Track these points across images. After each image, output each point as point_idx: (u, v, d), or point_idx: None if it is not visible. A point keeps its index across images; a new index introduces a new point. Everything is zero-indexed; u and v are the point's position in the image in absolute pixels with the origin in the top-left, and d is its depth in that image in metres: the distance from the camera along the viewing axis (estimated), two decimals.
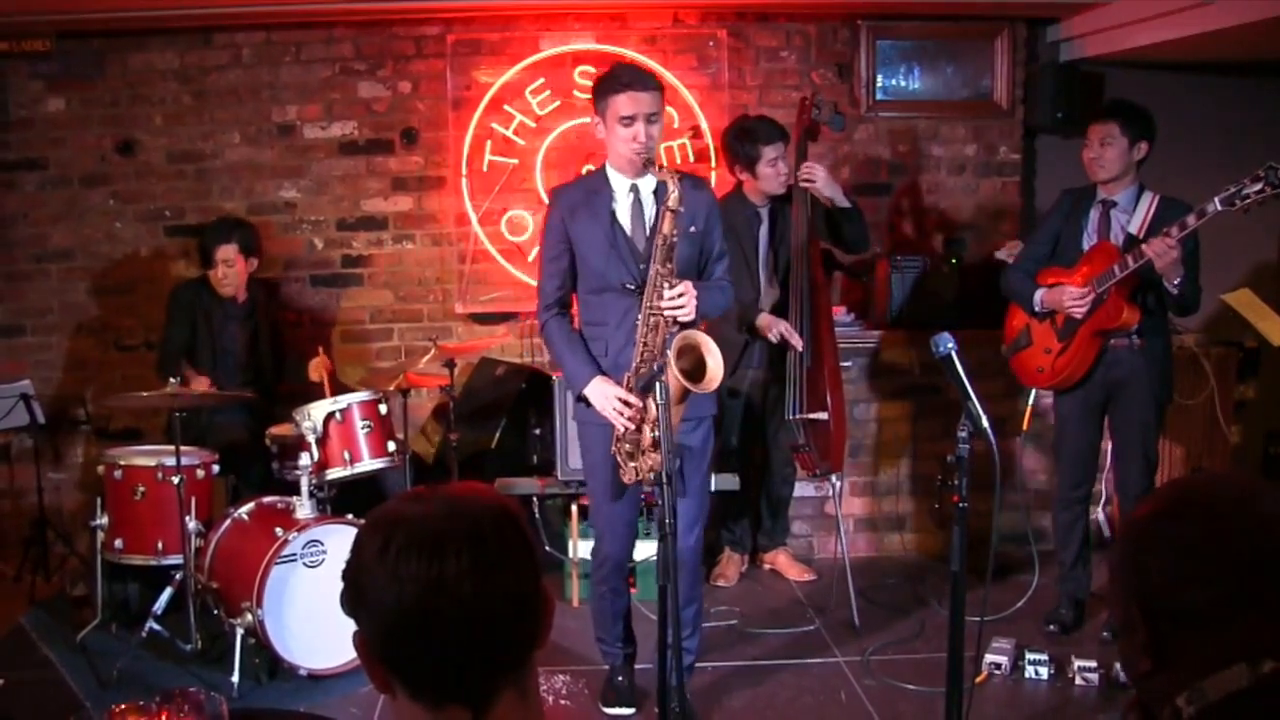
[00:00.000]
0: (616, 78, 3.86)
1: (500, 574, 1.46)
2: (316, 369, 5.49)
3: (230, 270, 5.44)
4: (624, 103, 3.79)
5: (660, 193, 3.88)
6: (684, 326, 3.76)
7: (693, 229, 3.94)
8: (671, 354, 3.62)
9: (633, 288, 3.86)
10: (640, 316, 3.81)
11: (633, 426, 3.81)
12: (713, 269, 4.09)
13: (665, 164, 3.82)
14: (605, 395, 3.87)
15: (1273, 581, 1.46)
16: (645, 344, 3.79)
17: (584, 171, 6.02)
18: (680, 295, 3.72)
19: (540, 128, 6.14)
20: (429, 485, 1.59)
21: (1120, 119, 4.65)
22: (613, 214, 3.95)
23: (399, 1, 5.84)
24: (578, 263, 4.01)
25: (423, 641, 1.45)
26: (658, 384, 3.36)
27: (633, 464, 3.84)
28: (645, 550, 5.13)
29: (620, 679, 4.37)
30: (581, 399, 3.98)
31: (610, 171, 4.00)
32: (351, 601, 1.50)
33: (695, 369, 3.66)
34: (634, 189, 3.95)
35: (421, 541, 1.44)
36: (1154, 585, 1.50)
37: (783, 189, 5.33)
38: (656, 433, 3.67)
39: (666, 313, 3.74)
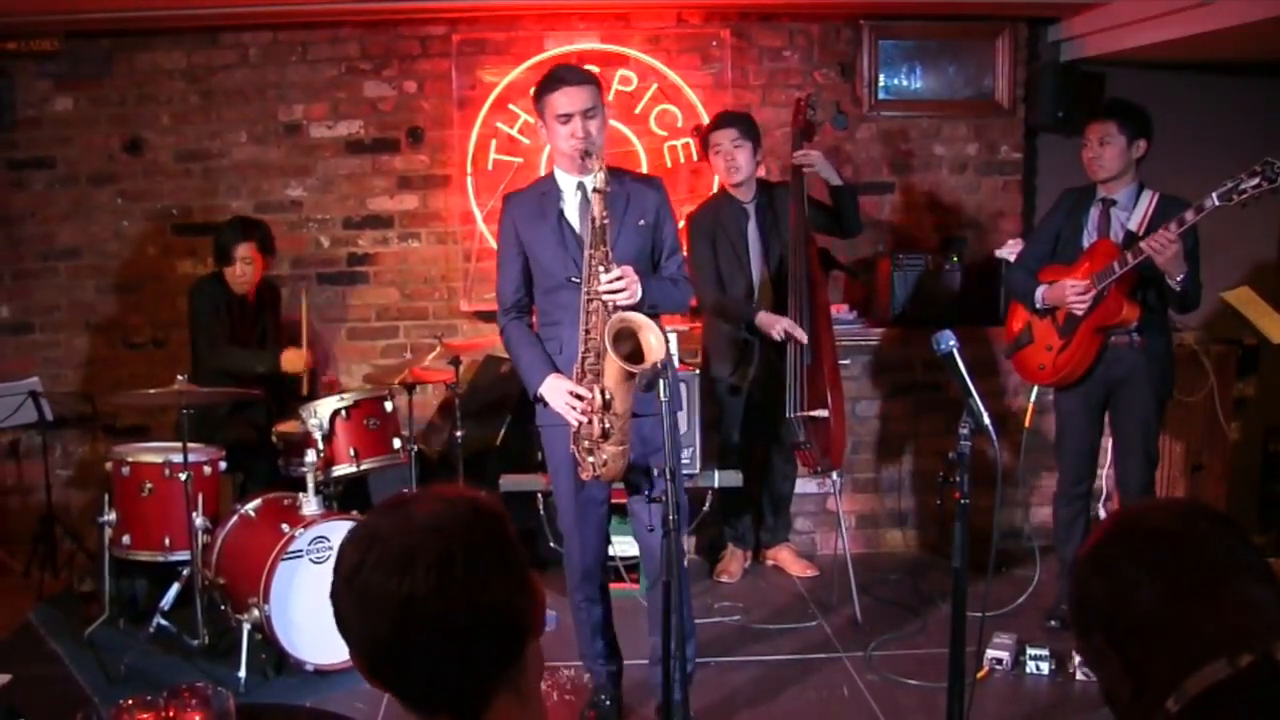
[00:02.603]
0: (549, 77, 3.86)
1: (472, 588, 1.46)
2: (291, 361, 5.47)
3: (249, 268, 5.47)
4: (559, 100, 3.78)
5: (583, 208, 3.88)
6: (627, 309, 3.70)
7: (641, 222, 3.94)
8: (608, 339, 3.58)
9: (577, 280, 3.80)
10: (581, 304, 3.77)
11: (585, 420, 3.77)
12: (666, 264, 4.05)
13: (598, 157, 3.74)
14: (558, 390, 3.83)
15: (1209, 571, 1.51)
16: (588, 331, 3.75)
17: None
18: (618, 279, 3.68)
19: None
20: (406, 493, 1.59)
21: (1118, 118, 4.67)
22: (560, 212, 3.93)
23: (404, 1, 5.86)
24: (531, 265, 3.99)
25: (401, 664, 1.48)
26: (661, 382, 3.33)
27: (590, 459, 3.79)
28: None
29: (603, 698, 4.27)
30: (539, 400, 3.94)
31: (558, 173, 3.99)
32: (337, 623, 1.52)
33: (635, 352, 3.62)
34: (580, 186, 3.91)
35: (388, 566, 1.45)
36: (1105, 604, 1.56)
37: (730, 177, 5.38)
38: (607, 425, 3.69)
39: (605, 297, 3.69)
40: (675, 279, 4.02)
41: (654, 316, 3.86)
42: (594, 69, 4.04)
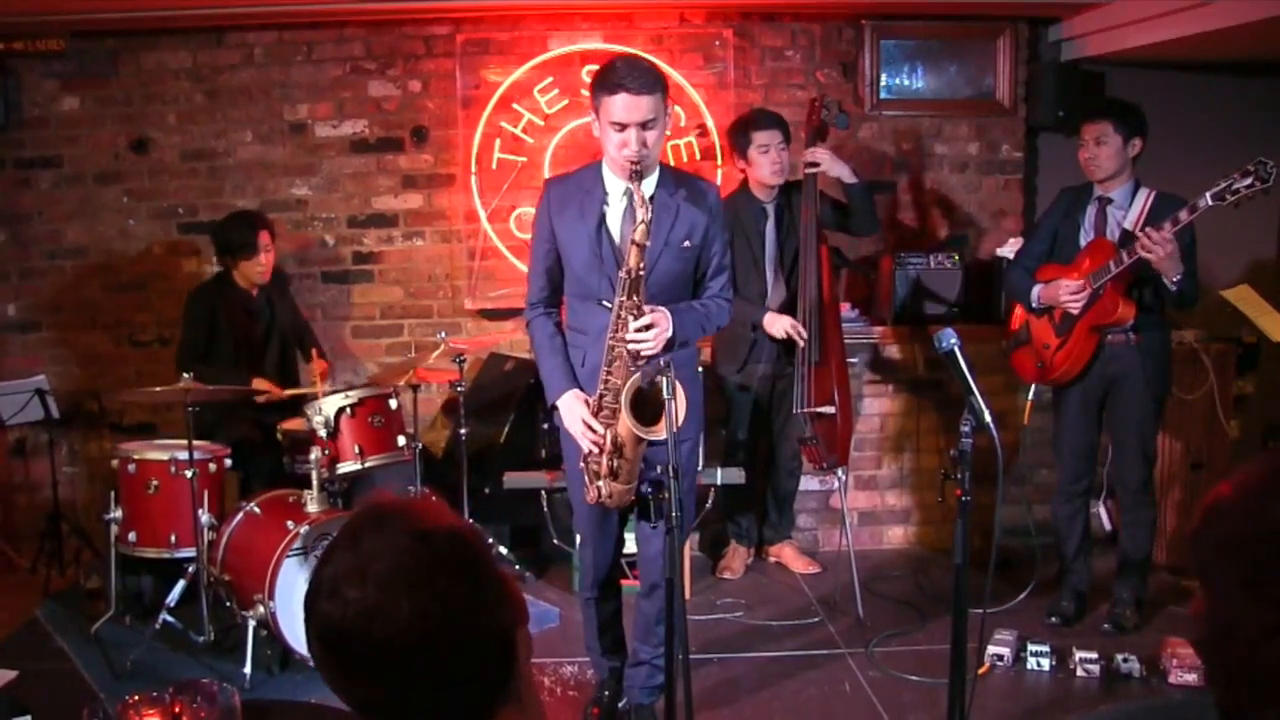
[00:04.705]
0: (612, 75, 3.52)
1: (450, 631, 1.42)
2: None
3: (270, 255, 5.55)
4: (615, 106, 3.49)
5: (628, 217, 3.63)
6: (651, 360, 3.50)
7: (687, 243, 3.70)
8: (625, 395, 3.44)
9: (609, 305, 3.60)
10: (606, 345, 3.59)
11: (595, 450, 3.64)
12: (709, 285, 3.82)
13: (649, 172, 3.59)
14: (573, 414, 3.69)
15: None
16: (610, 372, 3.59)
17: None
18: (647, 329, 3.49)
19: (548, 126, 6.19)
20: (353, 528, 1.50)
21: (1113, 117, 4.70)
22: (602, 217, 3.68)
23: (409, 1, 5.89)
24: (563, 264, 3.78)
25: (400, 715, 1.46)
26: (664, 379, 3.29)
27: (597, 483, 3.66)
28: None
29: (607, 693, 4.27)
30: (555, 409, 3.80)
31: (606, 173, 3.71)
32: (325, 679, 1.49)
33: (651, 413, 3.46)
34: (629, 193, 3.60)
35: (362, 628, 1.40)
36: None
37: (776, 179, 5.37)
38: (616, 465, 3.58)
39: (630, 347, 3.52)
40: (714, 305, 3.81)
41: (685, 345, 3.76)
42: (662, 65, 3.61)
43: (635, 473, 3.63)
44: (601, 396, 3.63)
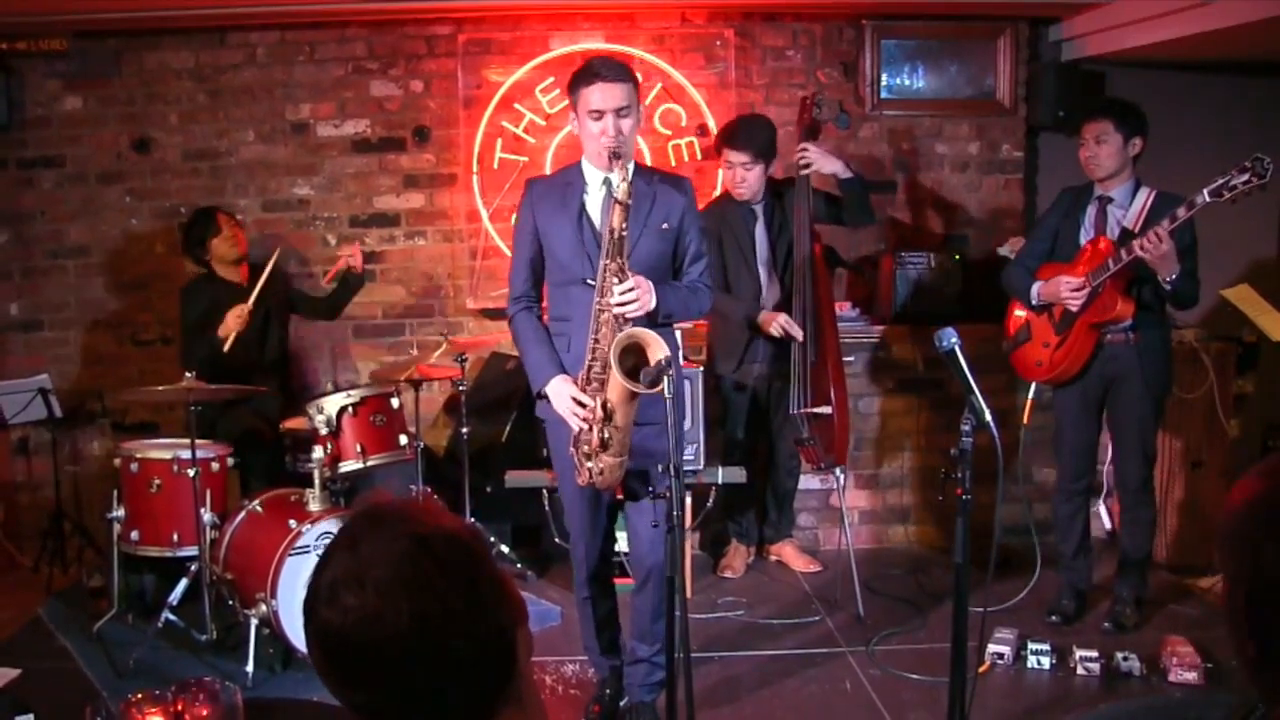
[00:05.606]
0: (585, 70, 3.73)
1: (448, 636, 1.41)
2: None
3: (235, 230, 5.61)
4: (592, 96, 3.68)
5: (607, 204, 3.74)
6: (637, 324, 3.61)
7: (665, 225, 3.85)
8: (614, 353, 3.48)
9: (593, 284, 3.70)
10: (592, 312, 3.70)
11: (586, 427, 3.69)
12: (689, 270, 3.95)
13: (626, 159, 3.68)
14: (562, 395, 3.77)
15: None
16: (597, 340, 3.67)
17: None
18: (630, 290, 3.59)
19: (550, 125, 6.20)
20: (351, 530, 1.49)
21: (1113, 116, 4.71)
22: (583, 206, 3.84)
23: (411, 1, 5.90)
24: (545, 255, 3.91)
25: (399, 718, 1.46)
26: (665, 378, 3.32)
27: (589, 464, 3.71)
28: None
29: (608, 692, 4.29)
30: (542, 396, 3.88)
31: (585, 165, 3.89)
32: (324, 681, 1.49)
33: (640, 366, 3.51)
34: (607, 182, 3.75)
35: (360, 633, 1.40)
36: (1266, 572, 1.32)
37: (741, 197, 5.42)
38: (607, 434, 3.62)
39: (615, 310, 3.62)
40: (695, 287, 3.92)
41: (669, 323, 3.85)
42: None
43: (626, 444, 3.69)
44: (590, 367, 3.71)
